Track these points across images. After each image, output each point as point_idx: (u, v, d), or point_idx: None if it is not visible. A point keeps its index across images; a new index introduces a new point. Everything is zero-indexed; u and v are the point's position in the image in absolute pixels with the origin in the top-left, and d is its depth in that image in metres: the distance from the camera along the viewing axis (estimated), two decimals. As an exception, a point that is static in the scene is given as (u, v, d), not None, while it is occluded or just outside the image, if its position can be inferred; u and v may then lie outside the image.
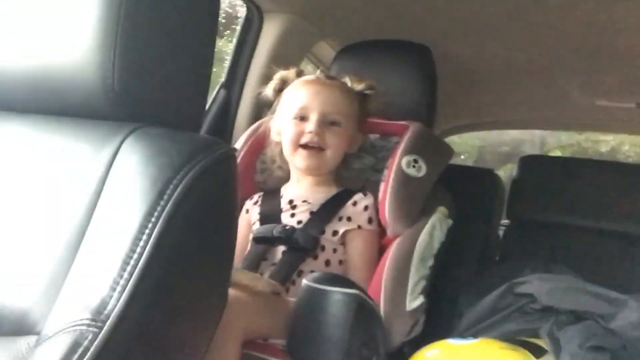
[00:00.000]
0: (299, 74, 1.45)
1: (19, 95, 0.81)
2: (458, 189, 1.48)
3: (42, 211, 0.72)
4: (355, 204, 1.36)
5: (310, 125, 1.34)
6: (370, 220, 1.36)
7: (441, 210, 1.38)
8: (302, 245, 1.30)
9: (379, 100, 1.45)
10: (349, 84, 1.44)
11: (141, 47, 0.74)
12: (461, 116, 2.63)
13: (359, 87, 1.44)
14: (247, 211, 1.43)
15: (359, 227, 1.35)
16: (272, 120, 1.46)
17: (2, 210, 0.74)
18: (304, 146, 1.35)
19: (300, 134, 1.35)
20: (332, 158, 1.38)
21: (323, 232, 1.33)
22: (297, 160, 1.38)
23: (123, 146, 0.73)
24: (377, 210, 1.37)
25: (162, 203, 0.67)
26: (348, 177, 1.44)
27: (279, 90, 1.44)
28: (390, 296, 1.24)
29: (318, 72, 1.52)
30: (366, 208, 1.36)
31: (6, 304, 0.68)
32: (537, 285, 1.33)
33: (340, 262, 1.33)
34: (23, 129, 0.80)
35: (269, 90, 1.45)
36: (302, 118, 1.36)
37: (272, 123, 1.45)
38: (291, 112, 1.38)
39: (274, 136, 1.44)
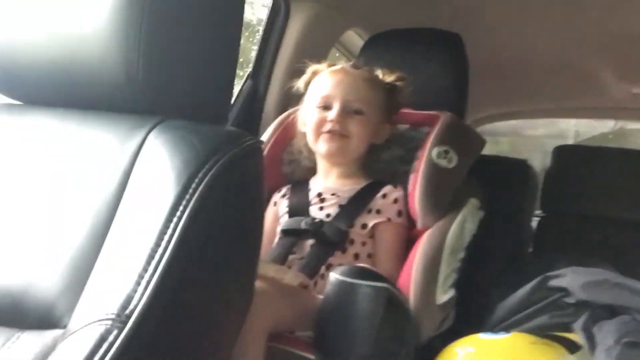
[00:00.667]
0: (330, 64, 1.44)
1: (44, 88, 0.81)
2: (490, 180, 1.45)
3: (68, 204, 0.72)
4: (384, 196, 1.35)
5: (333, 113, 1.34)
6: (400, 213, 1.35)
7: (472, 202, 1.36)
8: (331, 238, 1.29)
9: (410, 91, 1.42)
10: (380, 76, 1.42)
11: (166, 39, 0.74)
12: (493, 105, 2.59)
13: (389, 79, 1.42)
14: (275, 204, 1.43)
15: (389, 219, 1.33)
16: (299, 110, 1.45)
17: (28, 203, 0.75)
18: (327, 132, 1.35)
19: (323, 122, 1.35)
20: (355, 146, 1.36)
21: (352, 225, 1.32)
22: (320, 146, 1.37)
23: (148, 139, 0.73)
24: (406, 203, 1.36)
25: (187, 197, 0.66)
26: (377, 168, 1.43)
27: (310, 83, 1.43)
28: (420, 289, 1.23)
29: (345, 63, 1.51)
30: (396, 201, 1.35)
31: (32, 297, 0.68)
32: (571, 279, 1.30)
33: (369, 255, 1.32)
34: (49, 121, 0.80)
35: (300, 83, 1.44)
36: (326, 107, 1.35)
37: (299, 113, 1.45)
38: (315, 100, 1.37)
39: (300, 126, 1.43)
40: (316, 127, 1.36)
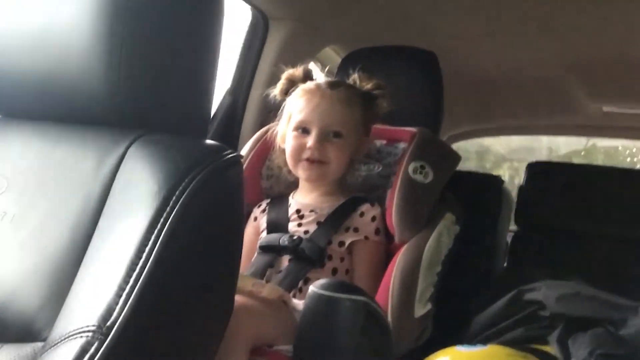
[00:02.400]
0: (306, 73, 1.42)
1: (25, 101, 0.81)
2: (465, 196, 1.47)
3: (48, 218, 0.72)
4: (362, 214, 1.35)
5: (311, 141, 1.32)
6: (377, 231, 1.35)
7: (448, 217, 1.37)
8: (309, 256, 1.29)
9: (388, 100, 1.40)
10: (358, 83, 1.41)
11: (146, 54, 0.74)
12: (468, 122, 2.63)
13: (367, 86, 1.40)
14: (255, 219, 1.43)
15: (366, 237, 1.34)
16: (278, 126, 1.44)
17: (8, 216, 0.74)
18: (306, 159, 1.34)
19: (302, 148, 1.33)
20: (335, 169, 1.36)
21: (330, 242, 1.32)
22: (300, 172, 1.37)
23: (128, 153, 0.73)
24: (384, 220, 1.36)
25: (167, 210, 0.67)
26: (354, 183, 1.44)
27: (286, 92, 1.41)
28: (399, 303, 1.23)
29: (323, 74, 1.50)
30: (374, 219, 1.35)
31: (12, 310, 0.68)
32: (545, 292, 1.32)
33: (347, 270, 1.32)
34: (29, 135, 0.80)
35: (276, 91, 1.42)
36: (304, 130, 1.34)
37: (277, 129, 1.43)
38: (292, 123, 1.36)
39: (280, 143, 1.42)
40: (295, 153, 1.35)
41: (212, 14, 0.81)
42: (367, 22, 1.80)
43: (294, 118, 1.36)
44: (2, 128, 0.82)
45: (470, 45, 1.87)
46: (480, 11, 1.66)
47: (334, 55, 1.94)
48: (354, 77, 1.42)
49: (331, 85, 1.38)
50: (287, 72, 1.42)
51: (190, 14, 0.78)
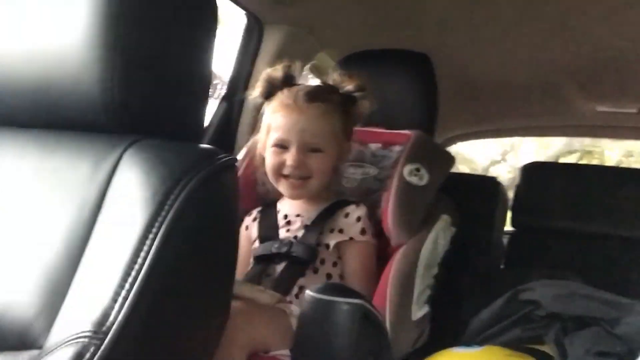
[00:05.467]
0: (286, 75, 1.35)
1: (19, 110, 0.81)
2: (461, 197, 1.48)
3: (44, 225, 0.72)
4: (347, 215, 1.34)
5: (290, 158, 1.29)
6: (363, 231, 1.33)
7: (444, 219, 1.37)
8: (301, 257, 1.28)
9: (371, 100, 1.35)
10: (338, 81, 1.36)
11: (141, 60, 0.75)
12: (462, 124, 2.63)
13: (347, 86, 1.35)
14: (247, 227, 1.42)
15: (351, 238, 1.32)
16: (258, 134, 1.39)
17: (3, 223, 0.74)
18: (287, 176, 1.32)
19: (281, 165, 1.31)
20: (317, 183, 1.33)
21: (319, 244, 1.31)
22: (282, 189, 1.35)
23: (123, 158, 0.73)
24: (374, 221, 1.36)
25: (162, 214, 0.67)
26: (349, 187, 1.44)
27: (266, 95, 1.35)
28: (396, 306, 1.24)
29: (305, 70, 1.46)
30: (359, 219, 1.33)
31: (8, 318, 0.68)
32: (541, 292, 1.33)
33: (341, 276, 1.32)
34: (24, 142, 0.80)
35: (255, 94, 1.37)
36: (282, 146, 1.31)
37: (258, 136, 1.39)
38: (270, 139, 1.33)
39: (260, 150, 1.38)
40: (275, 169, 1.32)
41: (206, 19, 0.81)
42: (361, 26, 1.80)
43: (272, 134, 1.32)
44: (-4, 136, 0.82)
45: (463, 47, 1.87)
46: (473, 13, 1.66)
47: (328, 60, 1.94)
48: (334, 78, 1.37)
49: (308, 98, 1.31)
50: (266, 73, 1.36)
51: (184, 20, 0.78)
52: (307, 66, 1.77)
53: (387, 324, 1.21)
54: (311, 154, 1.31)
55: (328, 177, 1.36)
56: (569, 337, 1.20)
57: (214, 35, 0.83)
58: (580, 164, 2.34)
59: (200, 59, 0.81)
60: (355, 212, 1.34)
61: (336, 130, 1.34)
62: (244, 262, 1.34)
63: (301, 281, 1.28)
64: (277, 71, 1.35)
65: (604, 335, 1.18)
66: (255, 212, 1.43)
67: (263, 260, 1.32)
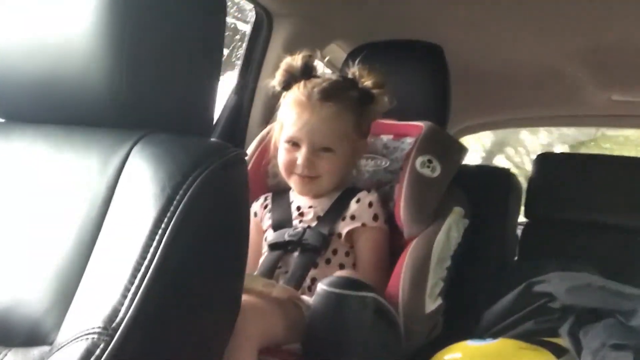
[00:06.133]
0: (305, 65, 1.35)
1: (28, 105, 0.81)
2: (473, 189, 1.46)
3: (53, 221, 0.72)
4: (358, 200, 1.34)
5: (301, 157, 1.30)
6: (376, 217, 1.33)
7: (457, 211, 1.36)
8: (314, 244, 1.28)
9: (389, 97, 1.36)
10: (357, 77, 1.37)
11: (149, 54, 0.74)
12: (474, 115, 2.62)
13: (366, 82, 1.36)
14: (255, 214, 1.42)
15: (363, 225, 1.32)
16: (274, 124, 1.41)
17: (13, 220, 0.74)
18: (297, 174, 1.33)
19: (293, 163, 1.32)
20: (327, 182, 1.34)
21: (332, 233, 1.31)
22: (293, 185, 1.37)
23: (132, 153, 0.73)
24: (386, 207, 1.36)
25: (171, 209, 0.67)
26: (361, 179, 1.43)
27: (285, 84, 1.36)
28: (409, 299, 1.23)
29: (324, 64, 1.45)
30: (370, 204, 1.33)
31: (19, 314, 0.68)
32: (555, 284, 1.31)
33: (354, 265, 1.32)
34: (32, 138, 0.80)
35: (275, 82, 1.37)
36: (294, 144, 1.32)
37: (274, 127, 1.41)
38: (283, 134, 1.34)
39: (275, 142, 1.40)
40: (286, 166, 1.34)
41: (214, 12, 0.81)
42: (372, 17, 1.79)
43: (285, 130, 1.34)
44: (5, 132, 0.82)
45: (476, 37, 1.86)
46: (485, 3, 1.64)
47: (339, 51, 1.93)
48: (354, 71, 1.38)
49: (322, 96, 1.31)
50: (286, 63, 1.37)
51: (192, 13, 0.78)
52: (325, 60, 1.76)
53: (400, 317, 1.20)
54: (322, 154, 1.32)
55: (339, 176, 1.37)
56: (583, 329, 1.18)
57: (222, 29, 0.82)
58: (594, 154, 2.31)
59: (209, 52, 0.81)
60: (367, 197, 1.34)
61: (349, 130, 1.34)
62: (254, 252, 1.34)
63: (313, 272, 1.28)
64: (297, 61, 1.35)
65: (619, 327, 1.17)
66: (262, 198, 1.43)
67: (277, 248, 1.32)
